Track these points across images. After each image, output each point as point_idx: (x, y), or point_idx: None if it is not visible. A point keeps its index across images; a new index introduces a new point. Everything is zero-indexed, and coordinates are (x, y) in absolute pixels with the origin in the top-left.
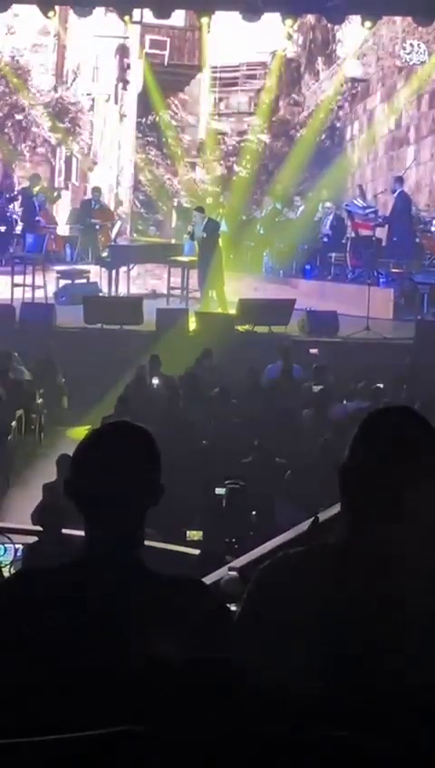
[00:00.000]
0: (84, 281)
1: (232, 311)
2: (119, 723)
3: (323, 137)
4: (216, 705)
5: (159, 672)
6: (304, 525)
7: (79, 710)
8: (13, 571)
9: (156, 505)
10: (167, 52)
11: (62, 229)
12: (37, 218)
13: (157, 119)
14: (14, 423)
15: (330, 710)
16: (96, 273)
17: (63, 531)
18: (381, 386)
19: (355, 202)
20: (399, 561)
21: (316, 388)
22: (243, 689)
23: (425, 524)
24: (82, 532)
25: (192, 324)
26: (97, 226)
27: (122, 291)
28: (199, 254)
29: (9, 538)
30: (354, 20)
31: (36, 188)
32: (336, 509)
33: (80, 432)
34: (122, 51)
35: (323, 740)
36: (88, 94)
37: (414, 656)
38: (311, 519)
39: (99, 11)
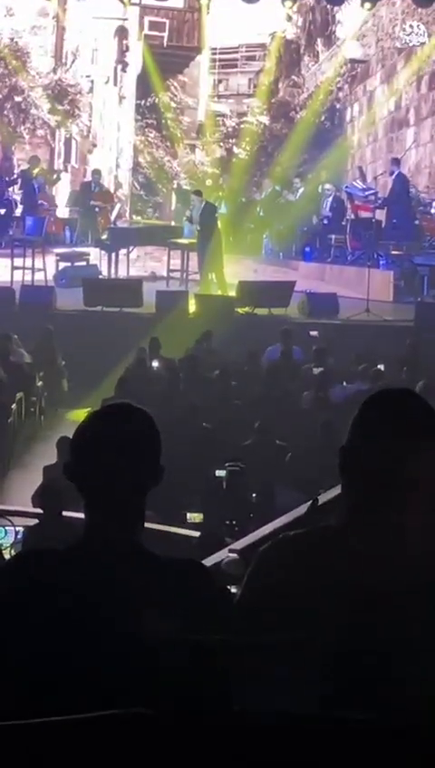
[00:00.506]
0: (84, 263)
1: (232, 293)
2: (119, 706)
3: (323, 118)
4: (216, 687)
5: (160, 655)
6: (304, 507)
7: (79, 693)
8: (13, 553)
9: (156, 487)
10: (166, 34)
11: (62, 212)
12: (40, 202)
13: (156, 100)
14: (14, 406)
15: (330, 693)
16: (96, 256)
17: (64, 513)
18: (382, 368)
19: (355, 184)
20: (399, 541)
21: (316, 371)
22: (243, 671)
23: (426, 505)
24: (82, 515)
25: (192, 307)
26: (97, 209)
27: (122, 273)
28: (199, 237)
29: (10, 520)
30: (354, 1)
31: (36, 171)
32: (336, 491)
33: (80, 414)
34: (121, 32)
35: (324, 724)
36: (87, 76)
37: (415, 636)
38: (310, 501)
39: None
